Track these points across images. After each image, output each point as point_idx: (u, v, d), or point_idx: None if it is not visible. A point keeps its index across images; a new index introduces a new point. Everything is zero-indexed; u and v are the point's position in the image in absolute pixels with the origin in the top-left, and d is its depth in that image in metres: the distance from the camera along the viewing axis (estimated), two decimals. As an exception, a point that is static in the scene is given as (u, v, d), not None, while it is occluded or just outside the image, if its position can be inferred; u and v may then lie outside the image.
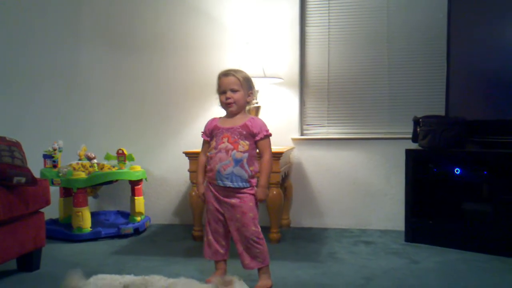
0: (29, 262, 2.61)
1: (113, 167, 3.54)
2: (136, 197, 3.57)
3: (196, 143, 3.67)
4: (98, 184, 3.49)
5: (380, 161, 3.60)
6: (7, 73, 3.89)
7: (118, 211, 3.84)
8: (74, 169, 3.40)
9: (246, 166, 2.26)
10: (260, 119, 2.36)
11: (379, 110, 3.68)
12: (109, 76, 3.99)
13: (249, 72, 3.28)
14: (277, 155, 3.13)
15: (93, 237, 3.30)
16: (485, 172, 2.98)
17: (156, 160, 3.92)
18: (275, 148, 3.27)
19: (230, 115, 2.35)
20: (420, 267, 2.69)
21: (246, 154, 2.26)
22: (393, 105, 3.65)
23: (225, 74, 2.33)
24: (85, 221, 3.30)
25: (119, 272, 2.57)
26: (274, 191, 3.13)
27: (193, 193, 3.26)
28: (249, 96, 2.35)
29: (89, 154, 3.57)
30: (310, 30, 3.77)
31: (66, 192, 3.52)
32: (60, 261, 2.84)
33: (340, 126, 3.75)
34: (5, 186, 2.34)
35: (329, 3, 3.73)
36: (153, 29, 3.91)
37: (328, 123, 3.76)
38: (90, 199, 3.50)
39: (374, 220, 3.63)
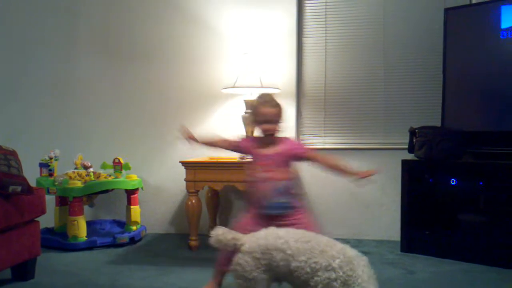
0: (24, 271, 2.59)
1: (109, 176, 3.53)
2: (132, 206, 3.56)
3: (192, 152, 3.68)
4: (94, 193, 3.49)
5: (380, 172, 3.60)
6: (4, 83, 3.90)
7: (114, 220, 3.83)
8: (70, 178, 3.40)
9: (290, 192, 2.25)
10: (291, 139, 2.38)
11: (376, 121, 3.69)
12: (106, 85, 3.99)
13: (246, 82, 3.35)
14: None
15: (89, 246, 3.29)
16: (480, 183, 2.99)
17: (152, 169, 3.91)
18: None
19: (266, 142, 2.30)
20: (416, 277, 2.69)
21: (288, 181, 2.25)
22: (390, 116, 3.66)
23: (270, 104, 2.28)
24: (81, 230, 3.28)
25: (113, 282, 2.58)
26: (271, 201, 3.13)
27: (189, 203, 3.26)
28: (281, 123, 2.33)
29: (85, 163, 3.57)
30: (307, 40, 3.79)
31: (62, 201, 3.51)
32: (55, 270, 2.82)
33: (336, 137, 3.76)
34: (1, 195, 2.33)
35: (326, 14, 3.75)
36: (151, 39, 3.92)
37: (324, 133, 3.77)
38: (86, 208, 3.48)
39: (370, 231, 3.63)
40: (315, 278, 1.61)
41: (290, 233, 1.79)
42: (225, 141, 2.42)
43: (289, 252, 1.69)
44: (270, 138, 2.29)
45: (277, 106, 2.29)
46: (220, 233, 1.86)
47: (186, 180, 3.27)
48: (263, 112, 2.28)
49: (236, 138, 2.42)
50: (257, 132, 2.37)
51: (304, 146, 2.31)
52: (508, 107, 3.08)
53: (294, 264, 1.67)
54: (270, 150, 2.28)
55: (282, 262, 1.70)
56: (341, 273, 1.58)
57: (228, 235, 1.85)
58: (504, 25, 3.04)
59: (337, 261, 1.61)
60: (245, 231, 2.21)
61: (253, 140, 2.37)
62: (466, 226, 3.06)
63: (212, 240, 1.86)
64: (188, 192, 3.28)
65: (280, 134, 2.32)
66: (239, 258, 1.79)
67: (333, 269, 1.59)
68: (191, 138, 2.41)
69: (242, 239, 1.83)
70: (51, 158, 3.51)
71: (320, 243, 1.70)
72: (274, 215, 2.21)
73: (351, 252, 1.67)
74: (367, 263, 1.64)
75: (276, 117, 2.28)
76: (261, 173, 2.24)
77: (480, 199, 3.04)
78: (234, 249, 1.84)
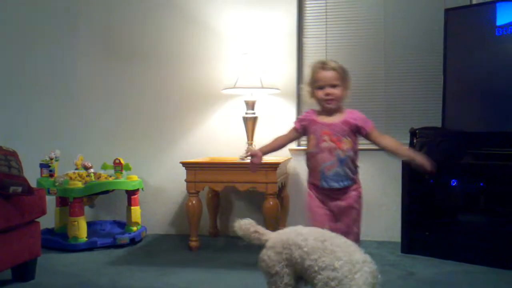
0: (24, 272, 2.60)
1: (110, 176, 3.53)
2: (132, 207, 3.55)
3: (193, 153, 3.70)
4: (95, 194, 3.49)
5: (377, 172, 3.61)
6: (5, 83, 3.90)
7: (114, 220, 3.83)
8: (71, 178, 3.40)
9: (351, 164, 2.16)
10: (357, 111, 2.23)
11: (376, 121, 3.59)
12: (107, 86, 3.99)
13: (247, 83, 3.35)
14: (274, 166, 3.13)
15: (89, 247, 3.29)
16: (481, 184, 2.99)
17: (153, 169, 3.91)
18: (271, 158, 3.28)
19: (327, 111, 2.18)
20: (416, 278, 2.68)
21: (351, 152, 2.15)
22: (390, 117, 3.65)
23: (324, 67, 2.17)
24: (81, 231, 3.28)
25: (114, 283, 2.58)
26: (271, 201, 3.13)
27: (190, 204, 3.26)
28: (347, 89, 2.21)
29: (85, 163, 3.57)
30: (308, 41, 3.78)
31: (62, 201, 3.51)
32: (56, 271, 2.82)
33: (337, 137, 3.75)
34: (1, 196, 2.33)
35: (326, 15, 3.75)
36: (151, 40, 3.92)
37: (325, 133, 3.76)
38: (86, 208, 3.48)
39: (370, 232, 3.61)
40: (318, 276, 1.62)
41: (312, 231, 1.80)
42: (284, 136, 2.31)
43: (305, 249, 1.70)
44: (331, 107, 2.17)
45: (335, 69, 2.17)
46: (246, 223, 1.90)
47: (186, 180, 3.27)
48: (318, 77, 2.17)
49: (292, 125, 2.30)
50: (316, 104, 2.23)
51: (367, 121, 2.19)
52: (508, 107, 3.07)
53: (307, 262, 1.68)
54: (333, 119, 2.17)
55: (299, 259, 1.71)
56: (339, 274, 1.58)
57: (252, 227, 1.88)
58: (500, 22, 3.04)
59: (340, 262, 1.61)
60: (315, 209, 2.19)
61: (312, 112, 2.24)
62: (466, 227, 3.06)
63: (236, 227, 1.91)
64: (189, 192, 3.28)
65: (343, 103, 2.20)
66: (263, 254, 1.82)
67: (334, 269, 1.59)
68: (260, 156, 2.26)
69: (267, 235, 1.86)
70: (51, 159, 3.51)
71: (333, 244, 1.69)
72: (334, 189, 2.14)
73: (359, 256, 1.64)
74: (372, 270, 1.60)
75: (333, 81, 2.15)
76: (324, 143, 2.13)
77: (481, 200, 3.05)
78: (260, 245, 1.87)
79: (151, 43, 3.92)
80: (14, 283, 2.57)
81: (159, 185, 3.90)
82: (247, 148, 3.45)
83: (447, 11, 3.27)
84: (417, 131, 3.25)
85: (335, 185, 2.14)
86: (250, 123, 3.50)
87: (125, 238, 3.40)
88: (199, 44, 3.84)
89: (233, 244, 3.50)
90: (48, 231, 3.52)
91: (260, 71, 3.41)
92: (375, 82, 3.67)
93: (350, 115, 2.19)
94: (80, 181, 3.37)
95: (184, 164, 3.28)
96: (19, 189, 2.40)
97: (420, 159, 2.08)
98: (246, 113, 3.50)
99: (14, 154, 2.53)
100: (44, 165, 3.53)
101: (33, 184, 2.74)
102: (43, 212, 2.65)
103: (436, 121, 3.37)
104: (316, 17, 3.77)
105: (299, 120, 2.28)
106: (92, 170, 3.56)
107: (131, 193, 3.56)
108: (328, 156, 2.12)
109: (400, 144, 2.22)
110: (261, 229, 1.89)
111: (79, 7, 3.99)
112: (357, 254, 1.65)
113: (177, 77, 3.88)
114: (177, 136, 3.89)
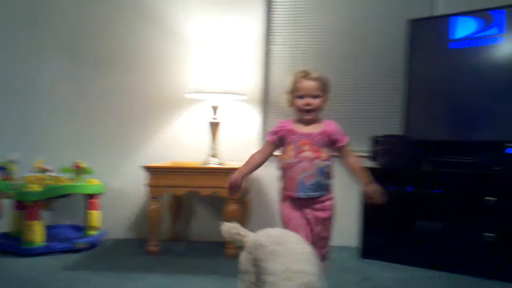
0: (-25, 277, 2.52)
1: (70, 180, 3.47)
2: (91, 211, 3.50)
3: (156, 157, 3.67)
4: (53, 197, 3.41)
5: (339, 178, 3.60)
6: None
7: (73, 225, 3.74)
8: (29, 181, 3.31)
9: (328, 173, 2.17)
10: (335, 123, 2.23)
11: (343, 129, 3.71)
12: (71, 90, 3.91)
13: (212, 88, 3.35)
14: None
15: (46, 251, 3.21)
16: (439, 191, 3.06)
17: (115, 173, 3.85)
18: (235, 163, 3.28)
19: (305, 121, 2.19)
20: (372, 283, 2.73)
21: (329, 162, 2.16)
22: (354, 124, 3.68)
23: (306, 77, 2.17)
24: (38, 235, 3.21)
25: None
26: (232, 206, 3.13)
27: (151, 208, 3.22)
28: (327, 100, 2.21)
29: (44, 166, 3.49)
30: (276, 48, 3.80)
31: (20, 205, 3.42)
32: (10, 276, 2.75)
33: (300, 143, 3.77)
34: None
35: (295, 22, 3.78)
36: (116, 45, 3.87)
37: (289, 140, 3.78)
38: (44, 212, 3.40)
39: (332, 237, 3.65)
40: (266, 280, 1.62)
41: (280, 233, 1.81)
42: (260, 153, 2.25)
43: (266, 251, 1.70)
44: (309, 117, 2.17)
45: (317, 80, 2.17)
46: (230, 226, 1.95)
47: (148, 185, 3.24)
48: (299, 87, 2.17)
49: (266, 139, 2.28)
50: (295, 113, 2.23)
51: (344, 136, 2.19)
52: (468, 118, 3.18)
53: (264, 264, 1.67)
54: (311, 129, 2.17)
55: (260, 260, 1.71)
56: (275, 280, 1.57)
57: (235, 230, 1.93)
58: (461, 34, 3.15)
59: (281, 268, 1.59)
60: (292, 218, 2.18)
61: (288, 122, 2.23)
62: (424, 233, 3.12)
63: (222, 230, 1.96)
64: (150, 197, 3.25)
65: (321, 113, 2.20)
66: (241, 255, 1.86)
67: (273, 274, 1.59)
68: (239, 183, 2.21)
69: (247, 236, 1.90)
70: (9, 162, 3.42)
71: (286, 249, 1.68)
72: (311, 198, 2.14)
73: (299, 266, 1.60)
74: (308, 282, 1.54)
75: (314, 92, 2.15)
76: (304, 152, 2.12)
77: (439, 206, 3.11)
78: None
79: (116, 48, 3.87)
80: (-36, 288, 2.50)
81: (121, 189, 3.84)
82: (211, 156, 3.44)
83: (411, 21, 3.34)
84: (379, 138, 3.32)
85: (313, 194, 2.15)
86: (214, 128, 3.49)
87: (83, 243, 3.34)
88: (166, 49, 3.82)
89: (194, 249, 3.48)
90: (4, 235, 3.42)
91: (226, 77, 3.41)
92: (341, 89, 3.63)
93: (328, 126, 2.20)
94: (38, 184, 3.30)
95: (146, 168, 3.24)
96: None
97: (371, 190, 2.14)
98: (214, 118, 3.50)
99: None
100: (0, 168, 3.44)
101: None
102: (-3, 215, 2.58)
103: (399, 130, 3.42)
104: (284, 24, 3.80)
105: (273, 132, 2.25)
106: (51, 173, 3.47)
107: (90, 197, 3.51)
108: (308, 166, 2.12)
109: (362, 168, 2.23)
110: (243, 231, 1.92)
111: (46, 13, 3.90)
112: (301, 263, 1.62)
113: (143, 81, 3.84)
114: (141, 140, 3.85)
